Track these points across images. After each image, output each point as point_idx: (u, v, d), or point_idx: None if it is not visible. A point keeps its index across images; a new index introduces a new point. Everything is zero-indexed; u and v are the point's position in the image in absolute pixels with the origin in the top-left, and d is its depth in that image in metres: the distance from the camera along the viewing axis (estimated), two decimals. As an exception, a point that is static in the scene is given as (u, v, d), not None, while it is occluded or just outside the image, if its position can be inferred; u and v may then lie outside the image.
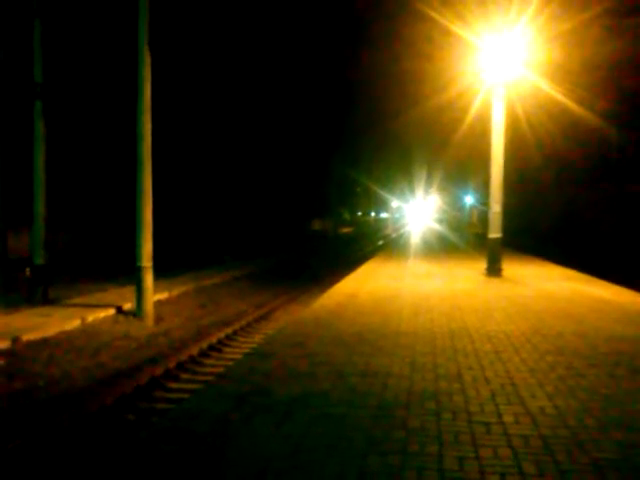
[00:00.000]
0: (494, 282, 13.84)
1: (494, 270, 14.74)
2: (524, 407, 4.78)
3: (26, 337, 9.50)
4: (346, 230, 67.66)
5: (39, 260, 13.22)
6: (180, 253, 23.37)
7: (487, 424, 4.40)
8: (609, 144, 21.96)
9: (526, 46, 14.13)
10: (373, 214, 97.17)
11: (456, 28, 14.72)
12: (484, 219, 25.79)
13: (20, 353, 8.97)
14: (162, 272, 14.18)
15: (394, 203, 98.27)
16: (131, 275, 12.43)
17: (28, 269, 13.30)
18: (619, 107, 19.93)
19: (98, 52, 22.17)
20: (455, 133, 28.87)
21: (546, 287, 12.83)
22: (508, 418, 4.53)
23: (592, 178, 23.42)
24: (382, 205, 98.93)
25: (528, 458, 3.80)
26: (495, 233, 14.85)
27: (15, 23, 14.79)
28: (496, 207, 14.84)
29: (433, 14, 15.96)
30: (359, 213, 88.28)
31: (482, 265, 15.46)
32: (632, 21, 18.20)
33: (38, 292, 12.97)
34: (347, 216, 79.12)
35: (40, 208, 13.34)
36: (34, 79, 13.29)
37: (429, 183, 76.44)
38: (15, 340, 9.29)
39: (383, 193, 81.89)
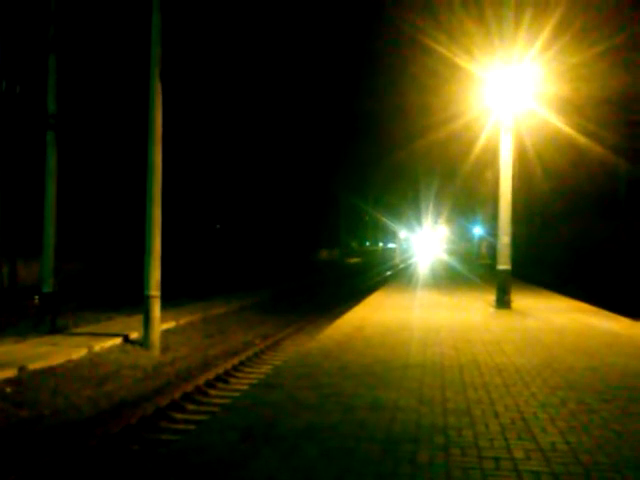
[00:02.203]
0: (503, 314, 13.73)
1: (503, 302, 14.63)
2: (535, 443, 4.70)
3: (33, 366, 9.47)
4: (354, 260, 67.56)
5: (48, 288, 13.26)
6: (188, 283, 23.38)
7: (497, 459, 4.32)
8: (618, 178, 21.95)
9: (534, 79, 14.25)
10: (381, 244, 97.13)
11: (463, 62, 14.91)
12: (493, 250, 25.72)
13: (26, 382, 8.94)
14: (169, 301, 14.18)
15: (402, 234, 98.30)
16: (139, 304, 12.42)
17: (37, 297, 13.35)
18: (628, 141, 19.97)
19: (109, 82, 22.56)
20: (463, 164, 29.06)
21: (556, 320, 12.70)
22: (518, 454, 4.45)
23: (601, 212, 23.37)
24: (390, 235, 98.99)
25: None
26: (504, 265, 14.77)
27: (31, 57, 15.15)
28: (505, 239, 14.79)
29: (440, 48, 16.18)
30: (367, 243, 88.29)
31: (491, 297, 15.36)
32: None
33: (46, 320, 12.98)
34: (355, 246, 79.15)
35: (50, 238, 13.43)
36: (47, 110, 13.51)
37: (437, 214, 76.57)
38: (22, 369, 9.26)
39: (391, 224, 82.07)
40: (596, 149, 19.47)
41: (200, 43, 26.66)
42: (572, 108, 17.69)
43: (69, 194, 16.66)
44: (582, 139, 18.74)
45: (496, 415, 5.45)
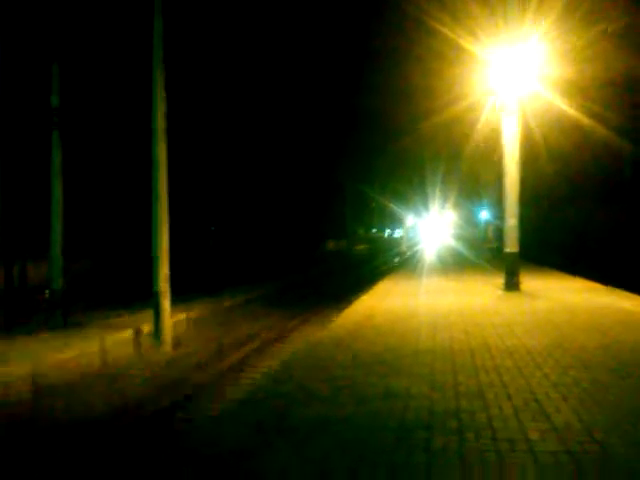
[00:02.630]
0: (513, 297, 13.69)
1: (512, 284, 14.58)
2: (550, 423, 4.68)
3: (46, 361, 9.52)
4: (361, 248, 67.49)
5: (57, 285, 13.34)
6: (195, 278, 23.42)
7: (511, 441, 4.31)
8: (623, 160, 21.79)
9: (539, 61, 14.11)
10: (388, 231, 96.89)
11: (467, 44, 14.75)
12: (500, 233, 25.64)
13: (40, 377, 8.99)
14: (177, 296, 14.22)
15: (409, 220, 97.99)
16: (148, 300, 12.47)
17: (47, 291, 13.45)
18: (633, 123, 19.78)
19: (113, 80, 22.52)
20: (467, 147, 28.81)
21: (566, 300, 12.65)
22: (533, 434, 4.43)
23: (606, 193, 23.23)
24: (397, 222, 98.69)
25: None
26: (512, 247, 14.71)
27: (34, 60, 15.16)
28: (512, 221, 14.71)
29: (445, 30, 16.01)
30: (374, 230, 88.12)
31: (500, 280, 15.29)
32: None
33: (57, 316, 13.07)
34: (361, 233, 79.05)
35: (57, 236, 13.48)
36: (51, 108, 13.52)
37: (443, 199, 76.19)
38: (35, 364, 9.31)
39: (398, 210, 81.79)
40: (601, 131, 19.29)
41: (199, 34, 26.52)
42: (576, 90, 17.49)
43: (76, 193, 16.69)
44: (586, 120, 18.55)
45: (509, 397, 5.43)
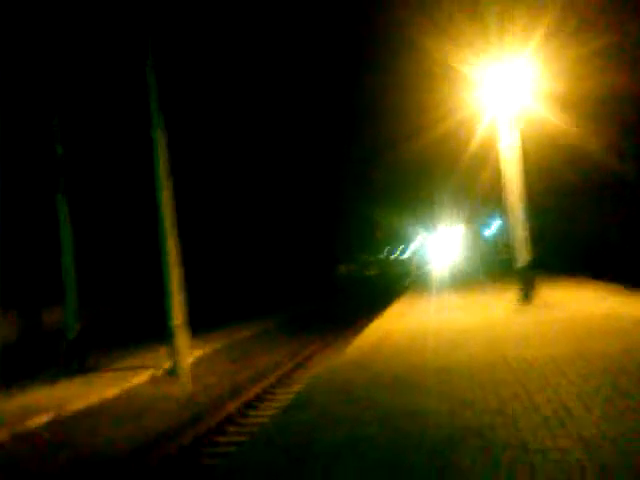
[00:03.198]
0: (528, 308, 13.64)
1: (527, 296, 14.52)
2: (576, 432, 4.68)
3: (68, 408, 9.56)
4: (371, 272, 67.47)
5: (72, 334, 13.45)
6: (208, 309, 23.49)
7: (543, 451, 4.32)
8: (613, 175, 22.06)
9: (531, 78, 14.29)
10: (396, 253, 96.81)
11: (458, 64, 14.95)
12: (512, 244, 25.65)
13: (63, 424, 9.02)
14: (194, 329, 14.28)
15: (417, 238, 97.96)
16: (164, 337, 12.51)
17: (64, 343, 13.53)
18: (621, 140, 20.06)
19: (114, 118, 22.88)
20: (468, 164, 28.87)
21: (582, 309, 12.57)
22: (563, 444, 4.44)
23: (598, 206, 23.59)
24: (405, 242, 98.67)
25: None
26: (523, 259, 14.69)
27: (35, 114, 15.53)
28: (520, 233, 14.73)
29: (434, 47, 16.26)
30: (384, 253, 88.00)
31: (514, 293, 15.25)
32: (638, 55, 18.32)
33: (74, 363, 13.15)
34: (371, 258, 78.93)
35: (71, 284, 13.62)
36: (56, 153, 13.80)
37: (452, 216, 76.07)
38: (58, 412, 9.36)
39: (405, 230, 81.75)
40: (590, 146, 19.50)
41: (201, 53, 26.78)
42: (569, 105, 17.64)
43: (87, 236, 16.90)
44: (579, 136, 18.74)
45: (535, 409, 5.43)
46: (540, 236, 28.86)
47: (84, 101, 18.21)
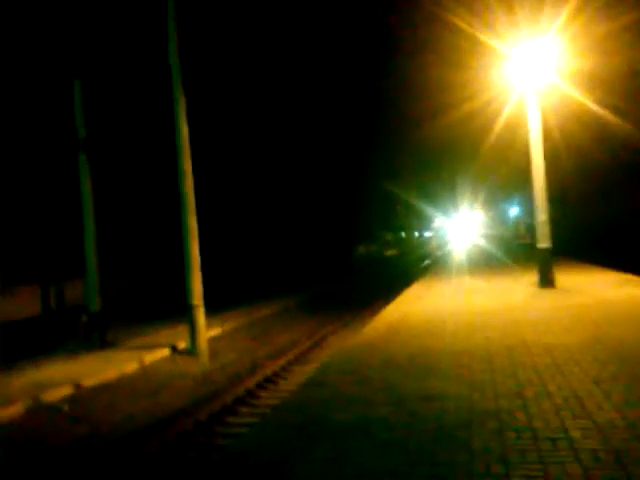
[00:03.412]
0: (547, 293, 13.51)
1: (546, 281, 14.37)
2: (591, 420, 4.63)
3: (87, 382, 9.71)
4: (391, 252, 67.29)
5: (94, 307, 13.59)
6: (228, 289, 23.66)
7: (553, 440, 4.27)
8: None
9: (559, 54, 13.96)
10: (417, 233, 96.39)
11: (487, 38, 14.62)
12: (531, 229, 25.26)
13: (82, 398, 9.17)
14: (212, 308, 14.38)
15: (437, 221, 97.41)
16: (183, 314, 12.63)
17: (84, 316, 13.69)
18: None
19: (135, 97, 22.91)
20: (494, 144, 28.44)
21: (602, 294, 12.42)
22: (575, 433, 4.39)
23: (628, 187, 22.96)
24: (425, 223, 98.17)
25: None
26: (544, 243, 14.52)
27: (57, 80, 15.55)
28: (542, 216, 14.53)
29: (464, 25, 15.90)
30: (402, 234, 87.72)
31: (533, 277, 15.11)
32: None
33: (95, 337, 13.31)
34: (390, 238, 78.72)
35: (92, 256, 13.74)
36: (77, 135, 13.83)
37: (473, 198, 75.44)
38: (77, 386, 9.52)
39: (426, 211, 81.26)
40: (621, 124, 18.98)
41: (220, 33, 26.67)
42: (597, 82, 17.22)
43: (108, 213, 17.04)
44: (607, 114, 18.25)
45: (549, 395, 5.38)
46: (562, 220, 28.48)
47: (104, 68, 18.15)
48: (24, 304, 18.85)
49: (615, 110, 18.42)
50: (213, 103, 26.57)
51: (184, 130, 12.47)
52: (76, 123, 13.84)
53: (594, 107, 17.42)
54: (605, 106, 17.99)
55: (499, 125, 19.52)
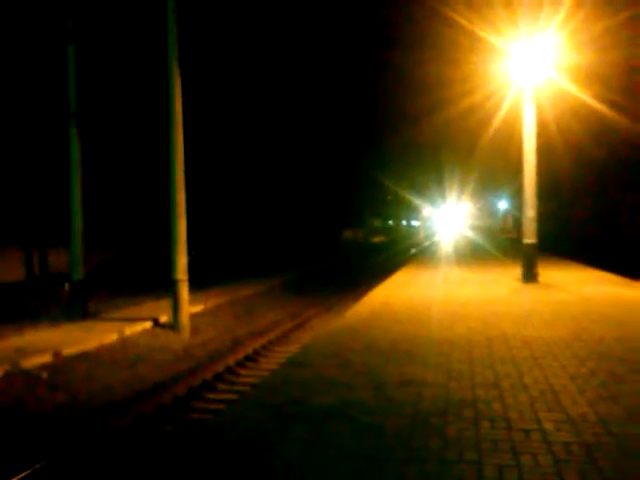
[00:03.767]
0: (530, 288, 13.64)
1: (530, 276, 14.52)
2: (565, 414, 4.70)
3: (67, 351, 9.70)
4: (378, 239, 67.43)
5: (77, 276, 13.50)
6: (214, 266, 23.63)
7: (527, 431, 4.34)
8: None
9: (556, 49, 13.96)
10: (405, 222, 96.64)
11: (485, 33, 14.59)
12: (518, 224, 25.41)
13: (61, 367, 9.16)
14: (197, 284, 14.36)
15: (426, 211, 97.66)
16: (166, 289, 12.62)
17: (67, 284, 13.61)
18: None
19: (129, 69, 22.65)
20: (485, 137, 28.52)
21: (584, 291, 12.58)
22: (548, 425, 4.46)
23: (625, 184, 22.99)
24: (413, 213, 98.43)
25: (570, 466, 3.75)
26: (530, 238, 14.63)
27: (50, 50, 15.29)
28: (530, 212, 14.62)
29: (462, 20, 15.83)
30: (390, 222, 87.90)
31: (518, 271, 15.25)
32: None
33: (77, 307, 13.25)
34: (378, 224, 78.87)
35: (77, 226, 13.63)
36: (69, 100, 13.62)
37: (461, 190, 75.65)
38: (56, 354, 9.50)
39: (414, 200, 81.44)
40: (619, 119, 19.03)
41: (219, 30, 26.57)
42: (595, 78, 17.24)
43: (96, 182, 16.90)
44: (605, 109, 18.29)
45: (525, 388, 5.45)
46: (552, 216, 28.65)
47: (99, 37, 17.86)
48: (8, 268, 18.73)
49: (612, 105, 18.47)
50: (208, 84, 26.37)
51: (178, 104, 12.36)
52: (69, 93, 13.60)
53: (592, 102, 17.46)
54: (602, 101, 18.04)
55: (497, 120, 19.51)
